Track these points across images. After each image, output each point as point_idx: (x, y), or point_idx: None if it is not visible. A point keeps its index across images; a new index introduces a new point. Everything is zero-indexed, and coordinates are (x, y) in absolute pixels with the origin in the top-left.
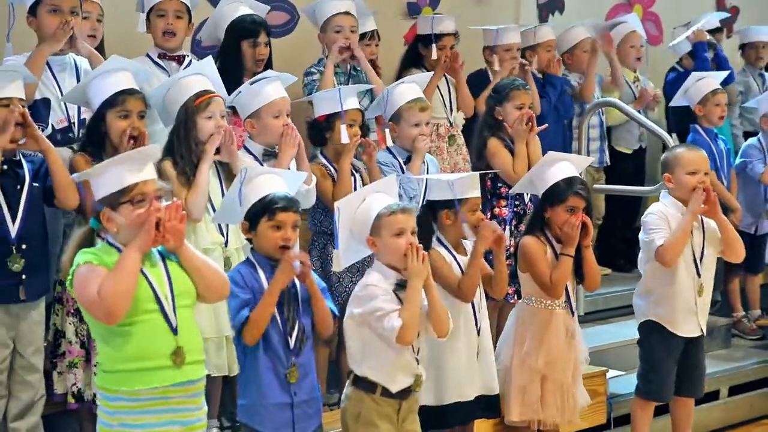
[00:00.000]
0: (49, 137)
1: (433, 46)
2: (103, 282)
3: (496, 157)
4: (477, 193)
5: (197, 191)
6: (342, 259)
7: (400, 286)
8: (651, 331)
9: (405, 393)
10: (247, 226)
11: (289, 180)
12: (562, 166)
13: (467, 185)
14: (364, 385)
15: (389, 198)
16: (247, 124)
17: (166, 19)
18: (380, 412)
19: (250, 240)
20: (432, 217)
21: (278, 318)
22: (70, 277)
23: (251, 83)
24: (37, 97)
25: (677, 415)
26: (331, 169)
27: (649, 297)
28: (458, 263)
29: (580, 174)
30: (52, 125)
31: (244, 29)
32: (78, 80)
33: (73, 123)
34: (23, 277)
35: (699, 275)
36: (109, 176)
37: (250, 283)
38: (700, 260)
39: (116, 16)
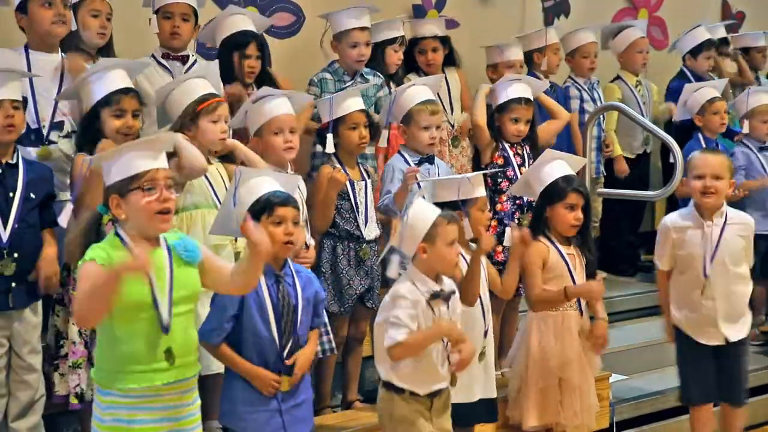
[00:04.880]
0: (24, 137)
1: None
2: (80, 295)
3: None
4: (481, 192)
5: (185, 149)
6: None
7: (435, 296)
8: (679, 336)
9: (435, 392)
10: None
11: (284, 183)
12: (559, 164)
13: (470, 185)
14: (393, 387)
15: (434, 208)
16: (252, 143)
17: (173, 20)
18: (412, 409)
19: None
20: None
21: (275, 330)
22: (74, 269)
23: (254, 101)
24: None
25: (722, 422)
26: (343, 171)
27: (673, 304)
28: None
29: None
30: (28, 124)
31: (235, 42)
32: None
33: (44, 126)
34: (12, 284)
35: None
36: (123, 162)
37: (249, 294)
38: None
39: (123, 15)
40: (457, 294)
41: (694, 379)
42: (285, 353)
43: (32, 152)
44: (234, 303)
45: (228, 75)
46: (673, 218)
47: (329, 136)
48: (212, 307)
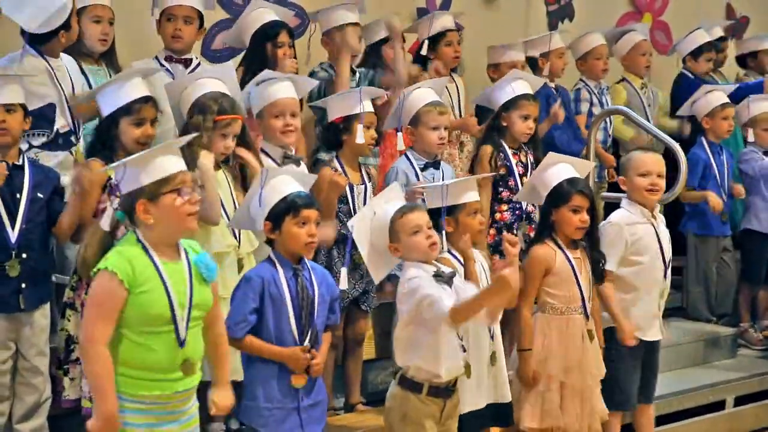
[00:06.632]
0: (51, 141)
1: (425, 41)
2: (90, 348)
3: (477, 166)
4: (473, 197)
5: (209, 195)
6: (373, 274)
7: (438, 276)
8: (616, 338)
9: (449, 392)
10: (270, 227)
11: (300, 181)
12: (564, 167)
13: (461, 190)
14: (410, 384)
15: (399, 204)
16: (256, 125)
17: (175, 23)
18: (426, 412)
19: (270, 242)
20: (435, 226)
21: (293, 322)
22: (94, 271)
23: (256, 84)
24: (40, 104)
25: (639, 422)
26: (344, 173)
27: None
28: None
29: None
30: (57, 130)
31: (264, 33)
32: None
33: (67, 130)
34: (23, 285)
35: (665, 277)
36: (152, 166)
37: (268, 287)
38: (668, 264)
39: (126, 19)
40: (460, 275)
41: (632, 381)
42: (305, 344)
43: (51, 157)
44: (255, 296)
45: (263, 67)
46: (620, 217)
47: (359, 126)
48: (233, 301)
